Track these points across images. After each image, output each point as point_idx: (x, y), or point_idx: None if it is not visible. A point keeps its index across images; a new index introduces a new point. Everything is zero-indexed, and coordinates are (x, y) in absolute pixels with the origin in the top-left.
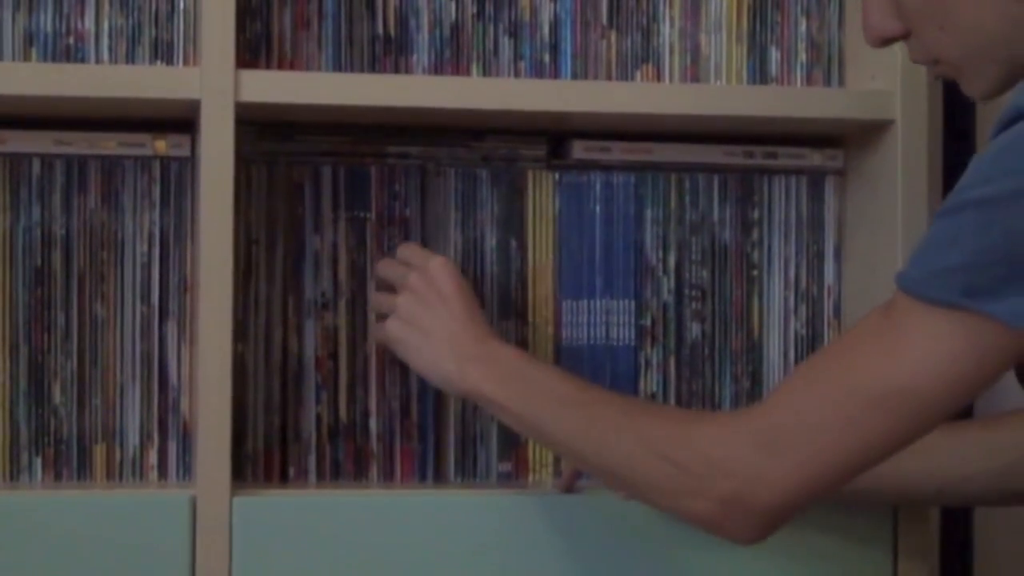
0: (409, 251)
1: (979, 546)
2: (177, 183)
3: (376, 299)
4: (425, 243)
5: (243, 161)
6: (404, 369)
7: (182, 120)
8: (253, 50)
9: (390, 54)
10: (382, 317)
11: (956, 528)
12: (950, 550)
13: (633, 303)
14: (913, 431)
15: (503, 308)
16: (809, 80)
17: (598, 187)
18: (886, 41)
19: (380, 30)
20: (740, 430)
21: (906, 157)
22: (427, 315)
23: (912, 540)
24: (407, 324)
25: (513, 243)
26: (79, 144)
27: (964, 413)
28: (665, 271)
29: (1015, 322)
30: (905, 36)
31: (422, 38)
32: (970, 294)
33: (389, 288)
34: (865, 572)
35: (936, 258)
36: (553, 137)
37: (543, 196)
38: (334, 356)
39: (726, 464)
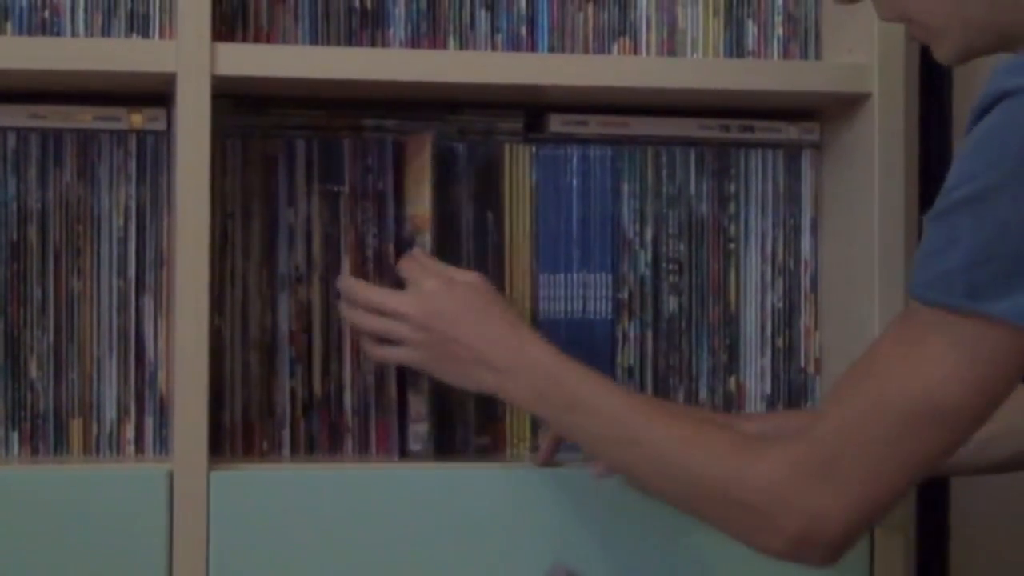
0: (409, 267)
1: (955, 513)
2: (153, 157)
3: (373, 322)
4: (400, 216)
5: (218, 135)
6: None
7: (158, 93)
8: (229, 23)
9: (366, 27)
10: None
11: (932, 498)
12: (927, 519)
13: (610, 277)
14: (954, 438)
15: None
16: (786, 53)
17: (575, 161)
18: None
19: (356, 3)
20: (793, 466)
21: (883, 130)
22: (452, 328)
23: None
24: (429, 340)
25: (490, 217)
26: (54, 118)
27: None
28: (642, 244)
29: (1021, 320)
30: None
31: (398, 11)
32: (973, 295)
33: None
34: None
35: (936, 262)
36: (530, 110)
37: (520, 170)
38: (308, 330)
39: (789, 504)
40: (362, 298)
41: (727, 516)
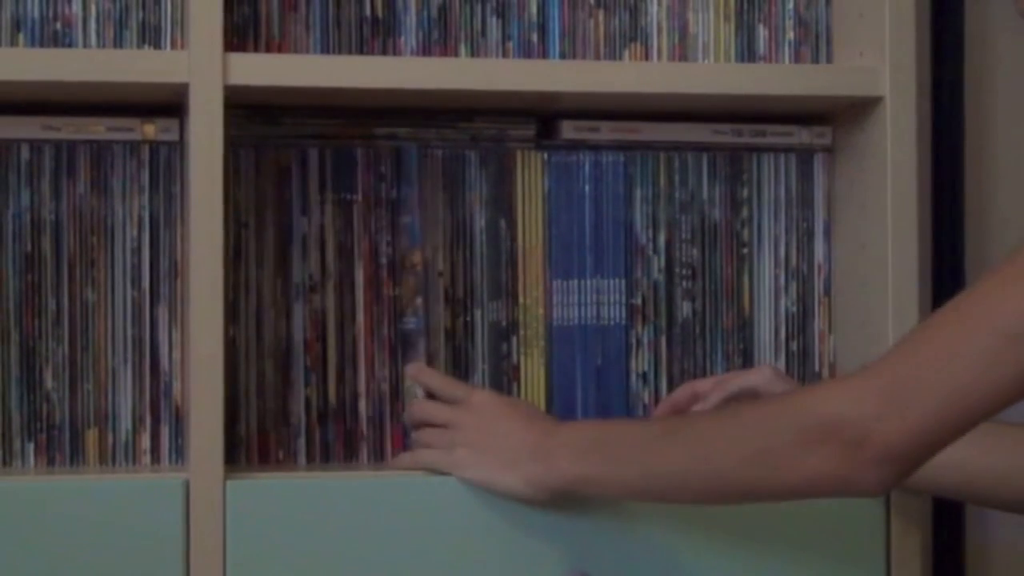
0: (443, 384)
1: (970, 539)
2: (166, 167)
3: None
4: (412, 224)
5: (231, 144)
6: (392, 351)
7: (171, 104)
8: (241, 33)
9: (378, 36)
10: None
11: (948, 519)
12: (942, 540)
13: (623, 282)
14: None
15: (493, 289)
16: (797, 58)
17: (587, 167)
18: None
19: (368, 12)
20: (861, 387)
21: (895, 133)
22: (491, 434)
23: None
24: (473, 449)
25: (502, 224)
26: (67, 129)
27: None
28: (655, 250)
29: None
30: None
31: (410, 19)
32: None
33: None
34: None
35: None
36: (542, 117)
37: (532, 176)
38: (322, 339)
39: (848, 415)
40: (422, 416)
41: (773, 446)
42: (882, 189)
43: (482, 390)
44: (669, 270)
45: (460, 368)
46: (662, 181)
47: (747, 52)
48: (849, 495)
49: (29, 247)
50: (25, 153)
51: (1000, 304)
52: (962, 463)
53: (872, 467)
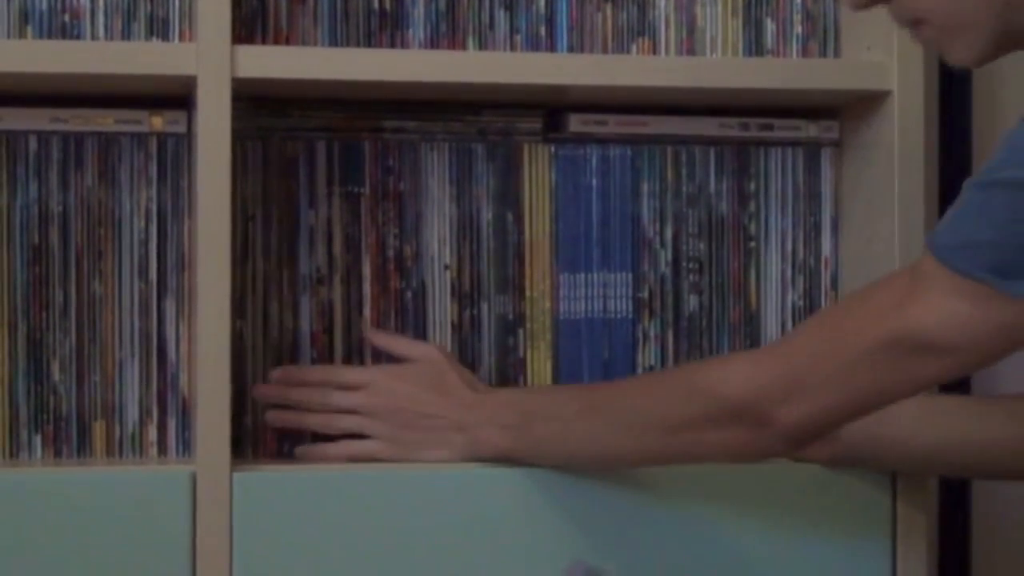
0: (326, 374)
1: (977, 516)
2: (174, 159)
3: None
4: (419, 218)
5: (238, 137)
6: None
7: (178, 96)
8: (249, 25)
9: (386, 28)
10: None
11: (954, 502)
12: (948, 521)
13: (630, 276)
14: (919, 379)
15: (500, 282)
16: (805, 52)
17: (594, 160)
18: (868, 4)
19: (376, 4)
20: (765, 371)
21: (902, 128)
22: (408, 414)
23: (910, 518)
24: (397, 433)
25: (509, 217)
26: (75, 121)
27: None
28: (662, 244)
29: None
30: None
31: (418, 12)
32: (997, 271)
33: None
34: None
35: (966, 229)
36: (549, 110)
37: (539, 170)
38: (329, 331)
39: (752, 400)
40: (324, 403)
41: (691, 416)
42: (889, 183)
43: (374, 369)
44: (676, 264)
45: (466, 361)
46: (669, 175)
47: (755, 46)
48: (758, 461)
49: (36, 239)
50: (33, 145)
51: (897, 310)
52: (974, 441)
53: (775, 441)
